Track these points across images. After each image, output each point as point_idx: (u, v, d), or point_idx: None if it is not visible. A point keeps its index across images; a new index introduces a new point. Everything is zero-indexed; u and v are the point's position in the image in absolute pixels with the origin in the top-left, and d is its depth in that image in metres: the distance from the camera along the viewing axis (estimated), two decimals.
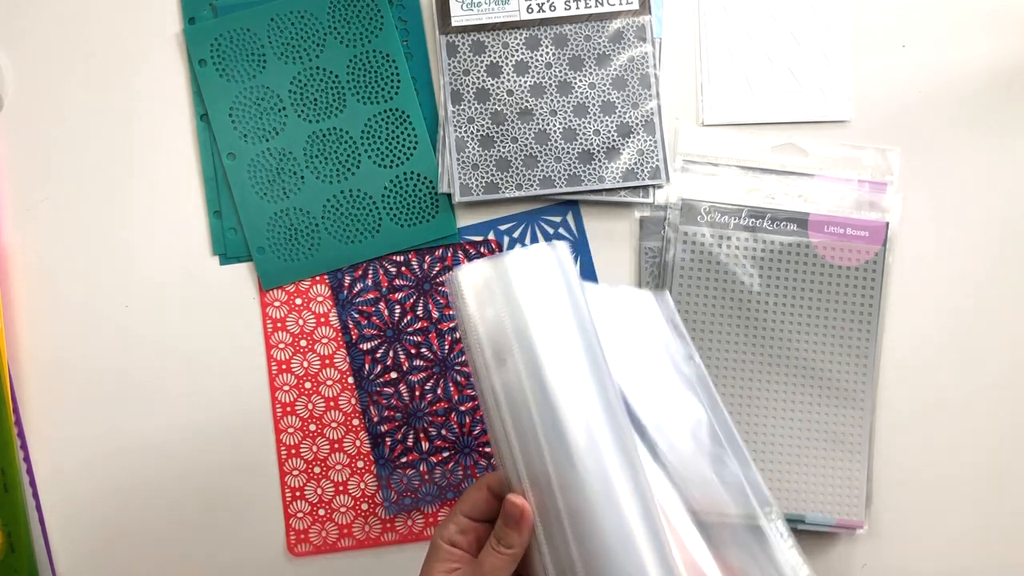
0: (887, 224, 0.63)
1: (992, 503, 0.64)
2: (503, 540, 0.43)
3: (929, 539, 0.63)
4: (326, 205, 0.64)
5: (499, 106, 0.63)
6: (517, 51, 0.64)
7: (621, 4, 0.64)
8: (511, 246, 0.64)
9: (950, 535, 0.64)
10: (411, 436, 0.63)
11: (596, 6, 0.64)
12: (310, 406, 0.63)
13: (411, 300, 0.64)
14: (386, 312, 0.64)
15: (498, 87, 0.63)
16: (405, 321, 0.64)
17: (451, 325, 0.63)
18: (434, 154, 0.64)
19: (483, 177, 0.63)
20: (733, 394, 0.62)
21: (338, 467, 0.63)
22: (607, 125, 0.63)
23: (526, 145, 0.63)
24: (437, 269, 0.64)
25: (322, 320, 0.63)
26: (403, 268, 0.64)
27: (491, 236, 0.64)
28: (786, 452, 0.62)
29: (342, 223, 0.64)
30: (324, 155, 0.64)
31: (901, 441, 0.64)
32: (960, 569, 0.63)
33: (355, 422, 0.63)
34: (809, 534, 0.62)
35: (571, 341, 0.44)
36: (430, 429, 0.63)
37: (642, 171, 0.63)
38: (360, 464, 0.63)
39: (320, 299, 0.64)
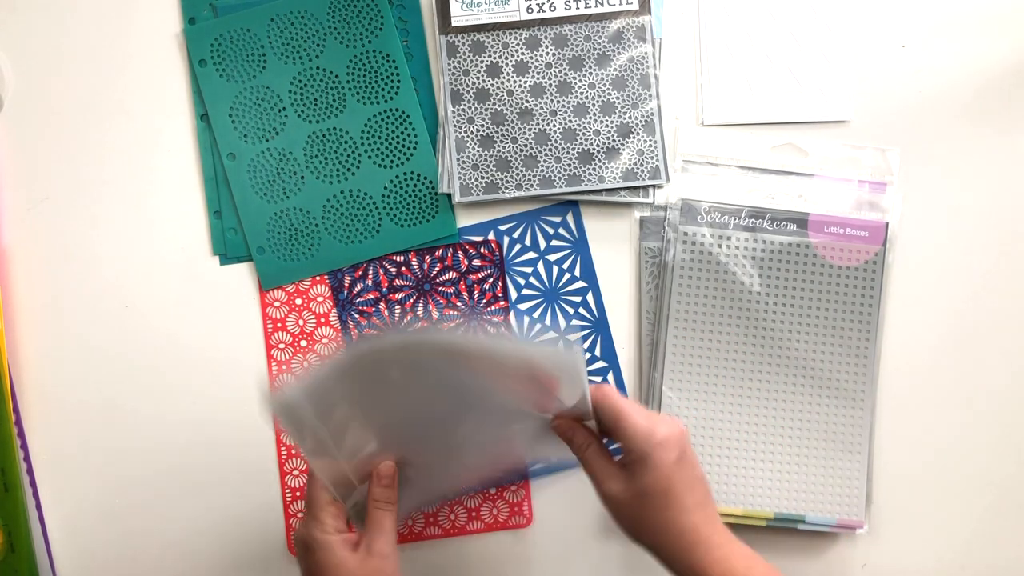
0: (887, 224, 0.63)
1: (992, 502, 0.64)
2: (387, 499, 0.51)
3: (929, 539, 0.63)
4: (326, 205, 0.64)
5: (499, 106, 0.63)
6: (517, 51, 0.64)
7: (621, 4, 0.64)
8: (511, 246, 0.64)
9: (950, 534, 0.64)
10: None
11: (596, 6, 0.64)
12: None
13: (411, 300, 0.64)
14: (386, 312, 0.64)
15: (498, 87, 0.63)
16: (405, 321, 0.64)
17: (450, 326, 0.63)
18: (434, 154, 0.64)
19: (483, 177, 0.63)
20: (733, 394, 0.62)
21: None
22: (607, 125, 0.63)
23: (526, 145, 0.63)
24: (437, 269, 0.64)
25: (322, 320, 0.63)
26: (403, 268, 0.64)
27: (491, 236, 0.64)
28: (786, 452, 0.62)
29: (342, 223, 0.64)
30: (324, 155, 0.64)
31: (900, 441, 0.64)
32: (960, 568, 0.63)
33: None
34: (808, 534, 0.62)
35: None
36: None
37: (642, 171, 0.63)
38: None
39: (320, 299, 0.64)
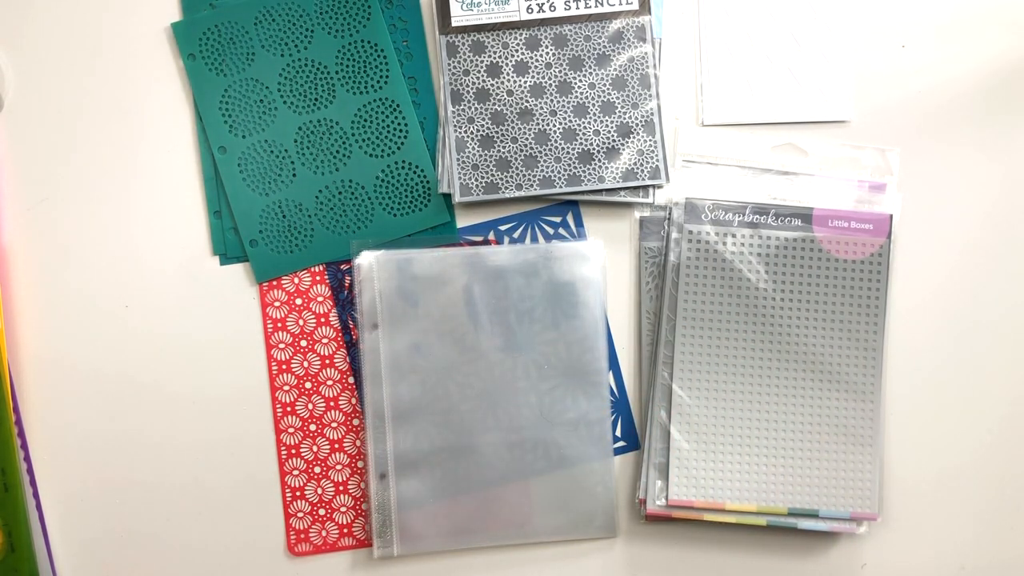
0: (891, 216, 0.63)
1: (993, 501, 0.64)
2: None
3: (929, 538, 0.63)
4: (318, 196, 0.64)
5: (499, 106, 0.63)
6: (517, 51, 0.64)
7: (621, 4, 0.64)
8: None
9: (952, 533, 0.64)
10: None
11: (596, 6, 0.64)
12: (310, 406, 0.63)
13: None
14: None
15: (498, 87, 0.63)
16: None
17: None
18: (424, 143, 0.64)
19: (483, 177, 0.63)
20: (743, 391, 0.62)
21: (338, 467, 0.63)
22: (607, 125, 0.63)
23: (526, 145, 0.63)
24: None
25: (322, 320, 0.63)
26: None
27: (491, 236, 0.64)
28: (798, 447, 0.62)
29: (335, 214, 0.64)
30: (315, 146, 0.64)
31: (900, 439, 0.63)
32: (960, 568, 0.63)
33: (355, 422, 0.63)
34: (808, 534, 0.62)
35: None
36: None
37: (642, 171, 0.63)
38: (360, 464, 0.63)
39: (320, 299, 0.64)
